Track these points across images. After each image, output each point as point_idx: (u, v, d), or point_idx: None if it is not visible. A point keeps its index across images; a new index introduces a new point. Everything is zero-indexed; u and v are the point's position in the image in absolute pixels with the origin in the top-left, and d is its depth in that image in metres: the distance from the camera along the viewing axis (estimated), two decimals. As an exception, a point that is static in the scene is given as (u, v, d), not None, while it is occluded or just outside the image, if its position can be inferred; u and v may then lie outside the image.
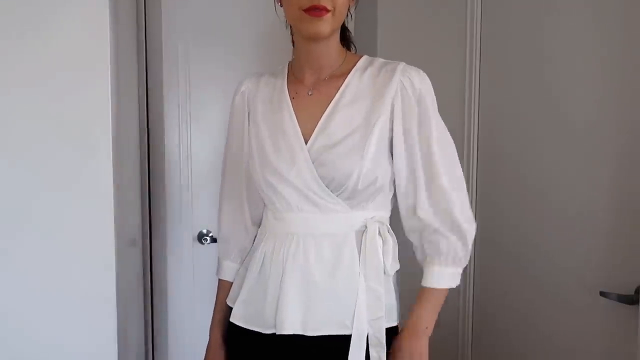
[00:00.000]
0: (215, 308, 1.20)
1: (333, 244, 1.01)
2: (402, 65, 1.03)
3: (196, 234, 1.90)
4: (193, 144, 1.88)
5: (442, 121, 1.03)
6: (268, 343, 1.04)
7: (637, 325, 1.11)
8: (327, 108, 1.03)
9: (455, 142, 1.05)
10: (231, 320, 1.09)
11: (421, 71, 1.04)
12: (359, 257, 1.01)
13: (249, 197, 1.15)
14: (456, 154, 1.04)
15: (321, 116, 1.03)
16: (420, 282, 1.04)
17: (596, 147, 1.27)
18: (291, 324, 1.00)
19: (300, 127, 1.03)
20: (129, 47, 1.52)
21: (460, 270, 1.04)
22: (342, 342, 0.99)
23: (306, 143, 1.02)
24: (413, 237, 1.07)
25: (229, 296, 1.16)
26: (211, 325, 1.19)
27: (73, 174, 1.14)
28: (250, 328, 1.06)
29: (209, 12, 1.85)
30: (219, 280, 1.21)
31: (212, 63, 1.86)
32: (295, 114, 1.05)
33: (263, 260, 1.07)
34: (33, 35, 1.11)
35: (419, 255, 1.07)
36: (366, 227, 1.02)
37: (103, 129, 1.15)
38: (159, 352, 1.90)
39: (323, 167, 0.99)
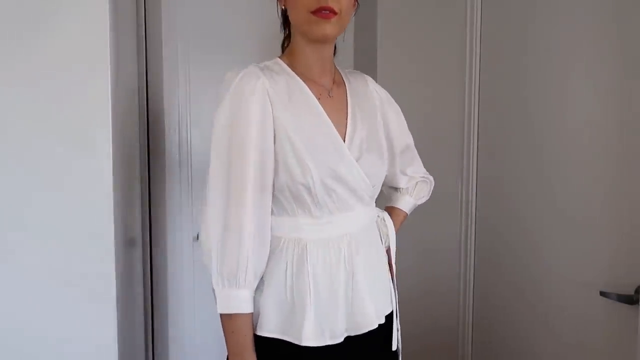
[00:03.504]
0: (248, 354, 0.98)
1: (371, 235, 1.10)
2: (364, 75, 1.18)
3: (196, 234, 1.89)
4: (193, 144, 1.88)
5: None
6: (332, 350, 1.01)
7: (637, 325, 1.11)
8: (347, 110, 1.06)
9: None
10: (305, 344, 0.97)
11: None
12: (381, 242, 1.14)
13: (271, 208, 1.01)
14: None
15: (345, 118, 1.05)
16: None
17: (596, 147, 1.27)
18: (372, 321, 1.04)
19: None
20: (129, 46, 1.52)
21: (417, 205, 1.31)
22: (385, 319, 1.09)
23: None
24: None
25: (267, 327, 0.99)
26: None
27: (73, 174, 1.14)
28: (323, 344, 0.99)
29: (209, 12, 1.85)
30: (242, 315, 0.96)
31: (212, 63, 1.86)
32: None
33: (314, 274, 0.98)
34: (33, 34, 1.11)
35: (386, 190, 1.29)
36: (379, 216, 1.15)
37: (103, 129, 1.15)
38: (159, 352, 1.90)
39: (365, 166, 1.04)
